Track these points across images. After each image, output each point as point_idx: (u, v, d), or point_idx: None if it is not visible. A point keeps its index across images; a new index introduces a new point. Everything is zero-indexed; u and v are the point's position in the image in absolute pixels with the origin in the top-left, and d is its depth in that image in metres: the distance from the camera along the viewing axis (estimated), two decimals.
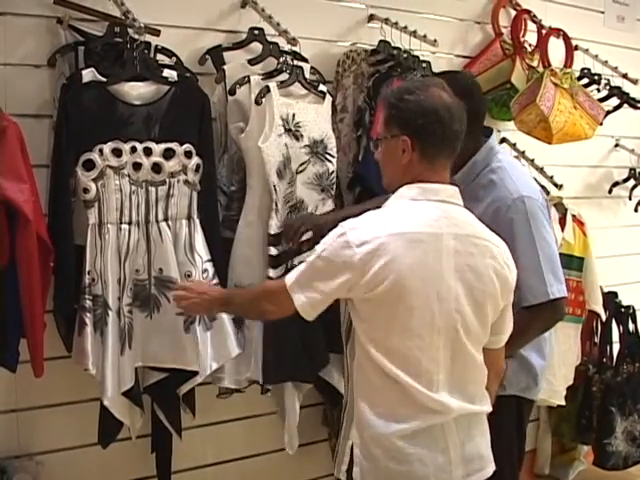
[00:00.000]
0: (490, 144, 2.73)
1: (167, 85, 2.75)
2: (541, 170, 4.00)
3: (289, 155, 2.97)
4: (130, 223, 2.70)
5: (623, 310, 4.25)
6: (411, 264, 2.04)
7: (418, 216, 2.11)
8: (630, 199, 4.66)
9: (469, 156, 2.68)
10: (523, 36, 4.00)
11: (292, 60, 3.07)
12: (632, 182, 4.62)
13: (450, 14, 3.89)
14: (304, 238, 2.96)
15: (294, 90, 3.06)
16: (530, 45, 4.01)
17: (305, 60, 3.19)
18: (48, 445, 2.95)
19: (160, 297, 2.76)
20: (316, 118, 3.06)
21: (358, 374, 2.18)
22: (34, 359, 2.59)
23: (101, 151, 2.64)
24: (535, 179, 3.29)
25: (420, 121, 2.12)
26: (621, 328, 4.25)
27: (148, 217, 2.73)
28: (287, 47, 3.11)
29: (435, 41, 3.49)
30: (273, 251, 2.94)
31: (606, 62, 4.27)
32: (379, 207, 2.21)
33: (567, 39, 4.09)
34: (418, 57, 3.47)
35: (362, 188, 3.27)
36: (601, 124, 3.99)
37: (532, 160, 3.97)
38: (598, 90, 4.16)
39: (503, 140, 3.96)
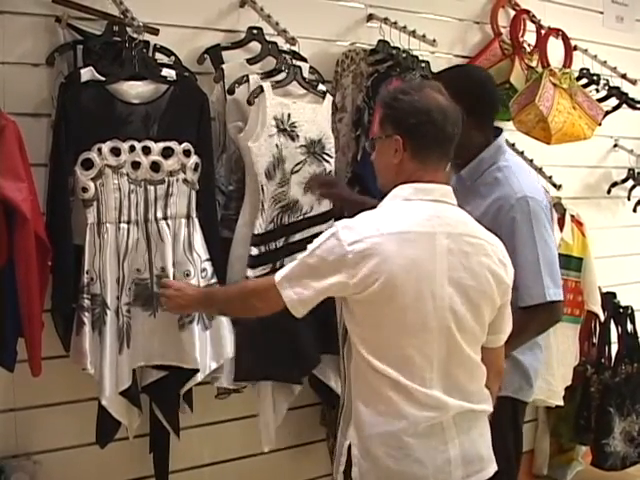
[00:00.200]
0: (499, 143, 2.73)
1: (166, 84, 2.75)
2: (540, 170, 4.00)
3: (282, 155, 2.96)
4: (129, 222, 2.69)
5: (621, 310, 4.25)
6: (404, 264, 2.04)
7: (411, 215, 2.11)
8: (629, 199, 4.66)
9: (477, 152, 2.69)
10: (522, 36, 4.01)
11: (291, 60, 3.07)
12: (631, 182, 4.62)
13: (449, 14, 3.89)
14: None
15: (293, 90, 3.06)
16: (529, 45, 4.01)
17: (304, 59, 3.19)
18: (46, 444, 2.95)
19: None
20: (314, 118, 3.05)
21: (355, 375, 2.18)
22: (32, 358, 2.58)
23: (100, 150, 2.63)
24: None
25: (412, 120, 2.13)
26: (619, 329, 4.25)
27: (147, 216, 2.72)
28: (286, 46, 3.11)
29: (434, 41, 3.49)
30: (254, 251, 2.93)
31: (605, 62, 4.27)
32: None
33: (566, 39, 4.09)
34: (417, 57, 3.47)
35: (361, 188, 3.26)
36: (600, 124, 4.00)
37: (531, 160, 3.96)
38: (597, 90, 4.17)
39: None
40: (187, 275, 2.76)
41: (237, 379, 2.94)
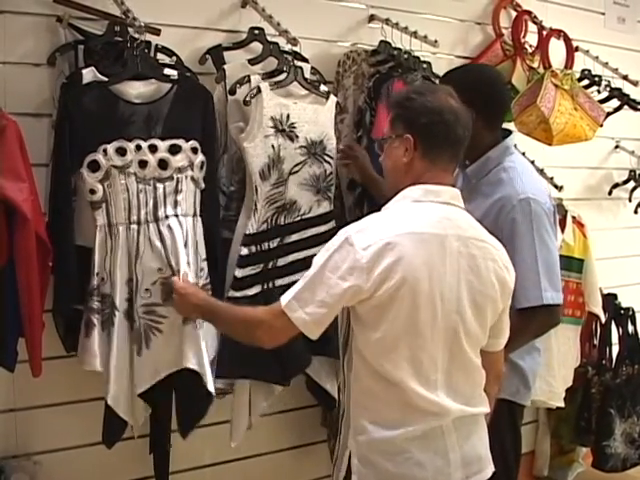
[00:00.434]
0: (506, 144, 2.74)
1: (169, 83, 2.74)
2: (541, 172, 4.00)
3: (280, 156, 2.95)
4: (139, 223, 2.66)
5: (622, 312, 4.25)
6: (418, 264, 2.04)
7: (423, 217, 2.12)
8: (630, 201, 4.66)
9: (484, 150, 2.69)
10: (524, 37, 4.01)
11: (292, 60, 3.06)
12: (632, 184, 4.62)
13: (451, 15, 3.89)
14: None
15: (294, 90, 3.05)
16: (531, 46, 4.01)
17: (305, 60, 3.18)
18: (46, 445, 2.94)
19: None
20: (316, 119, 3.04)
21: (356, 384, 2.19)
22: (32, 359, 2.58)
23: (105, 151, 2.61)
24: None
25: (424, 120, 2.14)
26: (620, 330, 4.25)
27: (157, 214, 2.68)
28: (287, 47, 3.10)
29: (436, 42, 3.49)
30: (244, 251, 2.91)
31: (606, 63, 4.27)
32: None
33: (568, 40, 4.10)
34: (419, 58, 3.47)
35: (362, 189, 3.27)
36: (601, 126, 3.99)
37: (532, 161, 3.95)
38: (598, 91, 4.17)
39: None
40: (195, 275, 2.72)
41: (218, 376, 2.89)
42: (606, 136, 4.40)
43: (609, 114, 4.13)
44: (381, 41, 3.44)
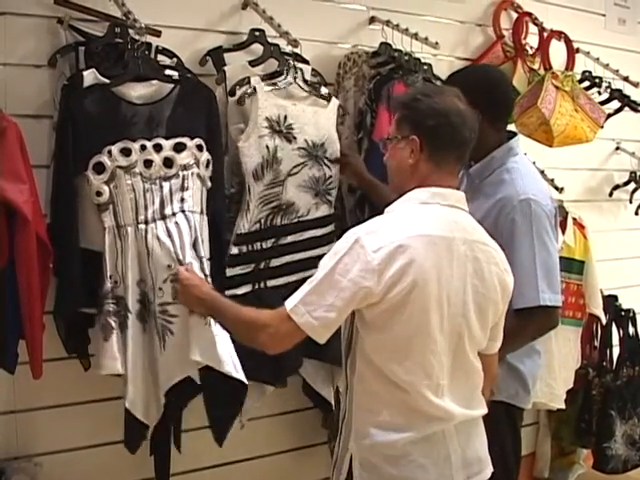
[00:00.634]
0: (511, 145, 2.74)
1: (172, 83, 2.74)
2: (542, 173, 3.99)
3: (277, 157, 2.94)
4: (147, 222, 2.65)
5: (623, 314, 4.25)
6: (428, 266, 2.04)
7: (431, 219, 2.12)
8: (631, 202, 4.66)
9: (489, 151, 2.69)
10: (524, 39, 4.01)
11: (293, 62, 3.06)
12: (633, 185, 4.62)
13: (451, 16, 3.89)
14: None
15: (294, 92, 3.05)
16: (531, 48, 4.01)
17: (306, 62, 3.18)
18: (47, 447, 2.94)
19: None
20: (316, 121, 3.04)
21: (359, 387, 2.17)
22: (33, 360, 2.58)
23: (110, 152, 2.60)
24: None
25: (431, 122, 2.14)
26: (621, 332, 4.25)
27: (164, 212, 2.67)
28: (288, 49, 3.10)
29: (436, 43, 3.49)
30: (234, 250, 2.91)
31: (607, 65, 4.27)
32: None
33: (568, 42, 4.10)
34: (419, 59, 3.47)
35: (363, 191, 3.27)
36: (602, 127, 3.99)
37: (533, 163, 3.95)
38: (599, 93, 4.17)
39: None
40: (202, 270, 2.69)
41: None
42: (607, 137, 4.39)
43: (610, 115, 4.13)
44: (382, 43, 3.44)
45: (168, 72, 2.76)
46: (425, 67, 3.48)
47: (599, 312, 3.99)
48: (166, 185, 2.69)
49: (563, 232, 3.81)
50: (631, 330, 4.26)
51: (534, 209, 2.57)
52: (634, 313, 4.26)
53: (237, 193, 2.99)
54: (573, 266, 3.84)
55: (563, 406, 3.82)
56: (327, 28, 3.45)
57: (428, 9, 3.75)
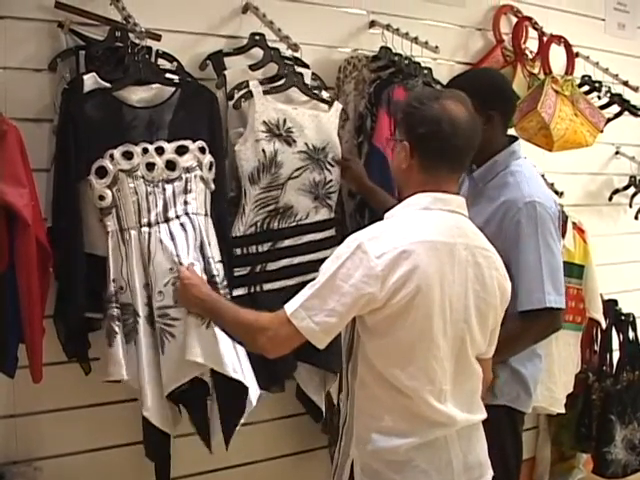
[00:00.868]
0: (513, 148, 2.74)
1: (173, 87, 2.74)
2: (542, 177, 3.99)
3: (277, 160, 2.94)
4: (150, 225, 2.64)
5: (623, 318, 4.24)
6: (431, 272, 2.03)
7: (434, 225, 2.11)
8: (630, 207, 4.67)
9: (492, 154, 2.69)
10: (524, 43, 4.02)
11: (292, 66, 3.06)
12: (632, 190, 4.62)
13: (451, 21, 3.89)
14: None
15: (295, 96, 3.05)
16: (531, 52, 4.02)
17: (306, 66, 3.19)
18: (46, 451, 2.93)
19: None
20: (317, 125, 3.04)
21: (361, 392, 2.16)
22: (33, 364, 2.57)
23: (112, 156, 2.60)
24: None
25: (420, 130, 2.13)
26: (621, 336, 4.25)
27: (167, 215, 2.66)
28: (288, 53, 3.11)
29: (436, 47, 3.49)
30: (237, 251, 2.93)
31: (607, 69, 4.27)
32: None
33: (568, 46, 4.10)
34: (419, 63, 3.47)
35: None
36: (602, 131, 3.99)
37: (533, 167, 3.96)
38: (599, 97, 4.17)
39: None
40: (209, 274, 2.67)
41: None
42: (606, 142, 4.40)
43: (609, 120, 4.14)
44: (382, 47, 3.44)
45: (168, 76, 2.77)
46: (425, 71, 3.48)
47: (599, 316, 3.99)
48: (169, 188, 2.68)
49: (563, 236, 3.81)
50: (631, 334, 4.25)
51: (539, 211, 2.57)
52: (634, 317, 4.26)
53: (236, 197, 2.99)
54: (573, 270, 3.83)
55: (563, 410, 3.82)
56: (327, 32, 3.45)
57: (428, 13, 3.75)
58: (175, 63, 2.92)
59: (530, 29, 4.06)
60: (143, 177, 2.65)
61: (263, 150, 2.91)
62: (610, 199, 4.63)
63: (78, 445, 2.97)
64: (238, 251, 2.93)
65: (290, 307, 2.07)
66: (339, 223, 3.18)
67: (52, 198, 2.66)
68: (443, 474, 2.10)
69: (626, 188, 4.63)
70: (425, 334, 2.05)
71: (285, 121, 2.97)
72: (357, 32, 3.56)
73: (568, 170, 4.26)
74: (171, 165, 2.69)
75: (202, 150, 2.75)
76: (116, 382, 2.63)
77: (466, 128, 2.13)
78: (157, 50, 2.88)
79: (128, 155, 2.63)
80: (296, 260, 3.04)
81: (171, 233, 2.65)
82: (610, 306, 4.18)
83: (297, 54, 3.11)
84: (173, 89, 2.75)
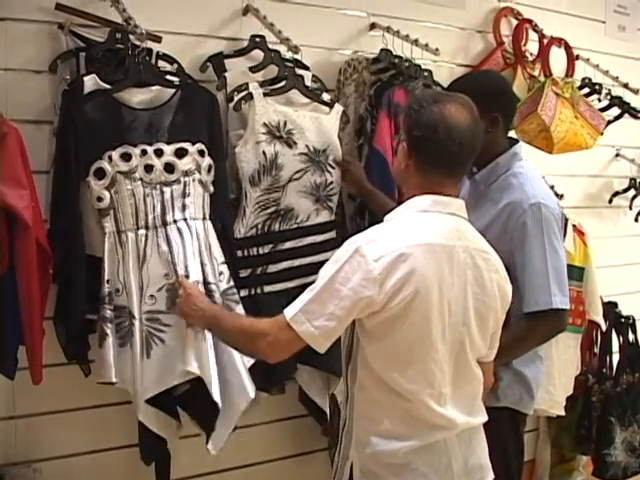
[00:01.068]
0: (515, 150, 2.74)
1: (173, 88, 2.75)
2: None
3: (277, 163, 2.94)
4: (147, 227, 2.64)
5: (623, 320, 4.25)
6: (429, 275, 2.03)
7: (432, 227, 2.11)
8: (630, 209, 4.67)
9: (494, 156, 2.69)
10: (524, 45, 4.02)
11: (293, 68, 3.06)
12: (632, 192, 4.63)
13: (452, 23, 3.90)
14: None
15: (295, 98, 3.05)
16: (531, 54, 4.02)
17: (307, 68, 3.18)
18: (46, 452, 2.93)
19: None
20: (318, 127, 3.04)
21: (360, 395, 2.16)
22: (32, 366, 2.57)
23: (110, 158, 2.60)
24: None
25: (416, 133, 2.13)
26: (621, 338, 4.25)
27: (165, 219, 2.66)
28: (289, 55, 3.11)
29: (437, 50, 3.49)
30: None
31: (607, 72, 4.28)
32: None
33: (568, 48, 4.10)
34: (420, 66, 3.47)
35: None
36: (602, 134, 4.00)
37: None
38: (599, 100, 4.17)
39: None
40: (208, 280, 2.68)
41: None
42: (606, 144, 4.40)
43: (609, 122, 4.14)
44: (382, 49, 3.44)
45: (169, 78, 2.77)
46: (425, 73, 3.48)
47: (599, 319, 3.99)
48: (167, 190, 2.68)
49: (563, 238, 3.81)
50: (631, 337, 4.25)
51: (544, 213, 2.58)
52: (634, 320, 4.26)
53: (236, 199, 2.99)
54: (573, 273, 3.82)
55: (563, 413, 3.81)
56: (328, 34, 3.45)
57: (428, 16, 3.75)
58: (175, 65, 2.92)
59: (530, 31, 4.06)
60: (141, 179, 2.65)
61: (264, 152, 2.91)
62: (610, 201, 4.63)
63: (78, 447, 2.97)
64: (239, 253, 2.93)
65: (290, 312, 2.07)
66: (339, 225, 3.17)
67: (51, 199, 2.66)
68: (443, 477, 2.10)
69: (626, 190, 4.63)
70: (424, 337, 2.05)
71: (286, 123, 2.97)
72: (357, 34, 3.56)
73: (568, 172, 4.26)
74: (170, 168, 2.68)
75: (201, 153, 2.75)
76: (111, 384, 2.63)
77: (464, 134, 2.11)
78: (158, 52, 2.88)
79: (126, 157, 2.63)
80: (297, 262, 3.03)
81: (168, 238, 2.65)
82: (610, 308, 4.18)
83: (297, 56, 3.12)
84: (173, 91, 2.75)
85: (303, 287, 2.14)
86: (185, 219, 2.70)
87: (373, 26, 3.57)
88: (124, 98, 2.67)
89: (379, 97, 3.28)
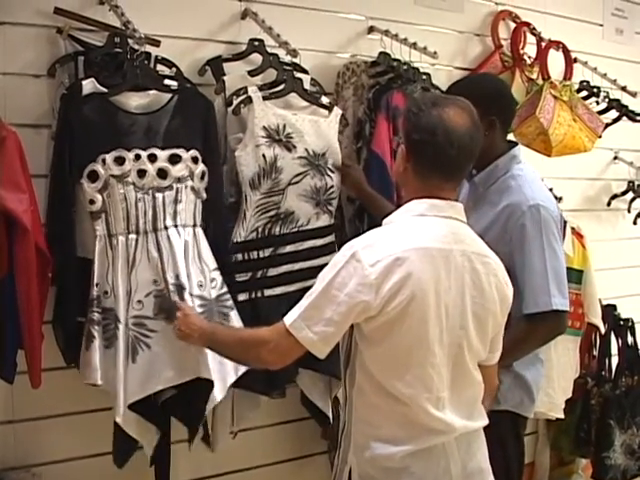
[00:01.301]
0: (514, 152, 2.75)
1: (170, 93, 2.74)
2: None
3: (277, 166, 2.94)
4: (137, 232, 2.65)
5: (622, 323, 4.25)
6: (426, 279, 2.03)
7: (429, 231, 2.10)
8: (629, 212, 4.67)
9: (493, 159, 2.70)
10: (522, 48, 4.02)
11: (291, 71, 3.06)
12: (631, 195, 4.63)
13: (450, 26, 3.90)
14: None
15: (294, 102, 3.05)
16: (529, 57, 4.02)
17: (305, 71, 3.18)
18: (45, 457, 2.93)
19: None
20: (316, 130, 3.04)
21: (359, 400, 2.16)
22: (31, 370, 2.57)
23: (104, 161, 2.60)
24: None
25: (415, 137, 2.13)
26: (620, 341, 4.25)
27: (156, 224, 2.67)
28: (287, 58, 3.11)
29: (435, 53, 3.50)
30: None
31: (605, 75, 4.29)
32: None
33: (566, 52, 4.11)
34: (418, 69, 3.48)
35: None
36: (600, 137, 4.00)
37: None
38: (597, 103, 4.18)
39: None
40: (200, 286, 2.70)
41: None
42: (605, 147, 4.41)
43: (608, 125, 4.14)
44: (380, 52, 3.45)
45: (167, 82, 2.77)
46: (424, 77, 3.48)
47: (598, 321, 3.99)
48: (159, 196, 2.68)
49: (562, 241, 3.82)
50: (630, 339, 4.26)
51: (543, 215, 2.58)
52: (633, 322, 4.26)
53: (236, 202, 2.98)
54: (572, 275, 3.81)
55: (562, 415, 3.81)
56: (326, 38, 3.46)
57: (427, 19, 3.76)
58: (174, 69, 2.92)
59: (528, 34, 4.07)
60: (133, 183, 2.65)
61: (263, 155, 2.91)
62: (608, 204, 4.63)
63: (77, 451, 2.97)
64: (239, 256, 2.93)
65: (289, 318, 2.07)
66: (338, 228, 3.17)
67: (47, 201, 2.67)
68: (441, 479, 2.10)
69: (624, 193, 4.63)
70: (421, 341, 2.05)
71: (285, 126, 2.97)
72: (356, 38, 3.56)
73: (566, 175, 4.26)
74: (162, 174, 2.68)
75: (195, 160, 2.75)
76: (94, 386, 2.62)
77: (463, 138, 2.10)
78: (156, 56, 2.88)
79: (120, 160, 2.63)
80: (297, 266, 3.03)
81: (158, 244, 2.66)
82: (609, 311, 4.18)
83: (296, 60, 3.11)
84: (170, 95, 2.75)
85: (303, 291, 2.15)
86: (176, 225, 2.70)
87: (371, 29, 3.57)
88: (121, 102, 2.67)
89: (378, 100, 3.29)
